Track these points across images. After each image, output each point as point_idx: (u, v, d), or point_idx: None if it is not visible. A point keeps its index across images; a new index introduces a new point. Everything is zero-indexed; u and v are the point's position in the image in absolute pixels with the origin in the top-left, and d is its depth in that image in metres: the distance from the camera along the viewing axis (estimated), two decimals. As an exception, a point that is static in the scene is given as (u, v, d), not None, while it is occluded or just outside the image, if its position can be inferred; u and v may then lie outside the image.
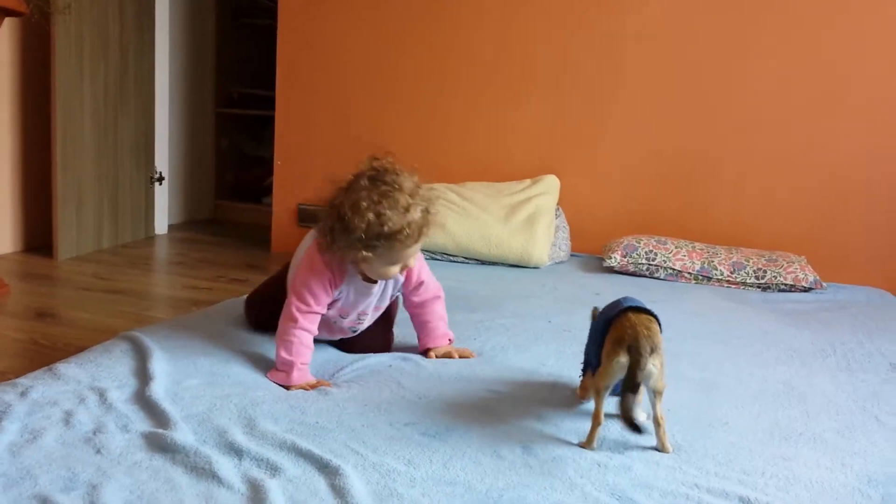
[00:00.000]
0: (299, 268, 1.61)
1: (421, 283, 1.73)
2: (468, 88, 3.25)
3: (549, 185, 3.04)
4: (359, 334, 1.77)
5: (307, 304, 1.57)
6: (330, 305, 1.63)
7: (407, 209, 1.46)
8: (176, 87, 4.14)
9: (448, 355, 1.73)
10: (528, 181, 3.06)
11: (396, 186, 1.47)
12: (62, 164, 3.15)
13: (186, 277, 3.05)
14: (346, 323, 1.71)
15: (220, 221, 4.53)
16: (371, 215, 1.44)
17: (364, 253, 1.48)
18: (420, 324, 1.77)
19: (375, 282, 1.64)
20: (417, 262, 1.66)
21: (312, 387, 1.52)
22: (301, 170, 3.52)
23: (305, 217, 3.51)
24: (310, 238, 1.66)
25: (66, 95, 3.14)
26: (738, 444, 1.34)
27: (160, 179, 3.89)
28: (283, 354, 1.55)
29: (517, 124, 3.20)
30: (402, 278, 1.69)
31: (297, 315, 1.56)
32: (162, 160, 3.93)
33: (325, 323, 1.68)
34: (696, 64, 2.97)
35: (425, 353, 1.74)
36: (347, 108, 3.42)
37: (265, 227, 3.75)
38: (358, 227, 1.44)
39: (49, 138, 3.13)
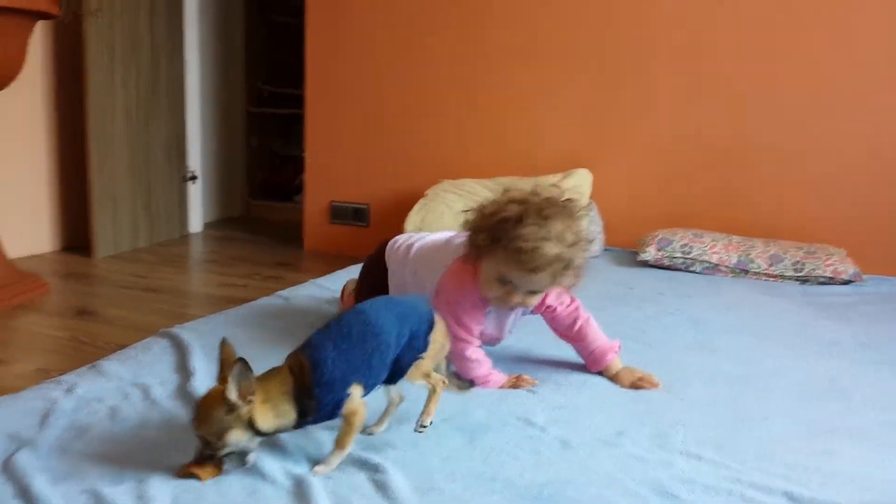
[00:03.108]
0: (446, 287, 1.59)
1: (550, 309, 1.66)
2: (500, 82, 3.23)
3: (581, 179, 3.01)
4: None
5: (465, 327, 1.56)
6: None
7: (548, 238, 1.39)
8: (206, 87, 4.18)
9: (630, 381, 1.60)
10: (559, 175, 3.04)
11: (566, 216, 1.43)
12: (97, 165, 3.21)
13: (221, 275, 3.08)
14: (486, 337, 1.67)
15: (253, 219, 4.57)
16: (524, 223, 1.40)
17: (489, 246, 1.45)
18: (578, 350, 1.69)
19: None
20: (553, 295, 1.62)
21: (515, 384, 1.55)
22: (332, 167, 3.54)
23: (338, 214, 3.53)
24: (447, 254, 1.66)
25: (98, 97, 3.19)
26: (780, 438, 1.33)
27: (193, 178, 3.94)
28: (477, 371, 1.55)
29: (549, 118, 3.18)
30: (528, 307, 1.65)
31: (462, 335, 1.55)
32: (194, 159, 3.97)
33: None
34: (735, 51, 2.90)
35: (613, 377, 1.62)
36: (377, 104, 3.43)
37: (297, 224, 3.77)
38: (504, 222, 1.42)
39: (84, 140, 3.18)
